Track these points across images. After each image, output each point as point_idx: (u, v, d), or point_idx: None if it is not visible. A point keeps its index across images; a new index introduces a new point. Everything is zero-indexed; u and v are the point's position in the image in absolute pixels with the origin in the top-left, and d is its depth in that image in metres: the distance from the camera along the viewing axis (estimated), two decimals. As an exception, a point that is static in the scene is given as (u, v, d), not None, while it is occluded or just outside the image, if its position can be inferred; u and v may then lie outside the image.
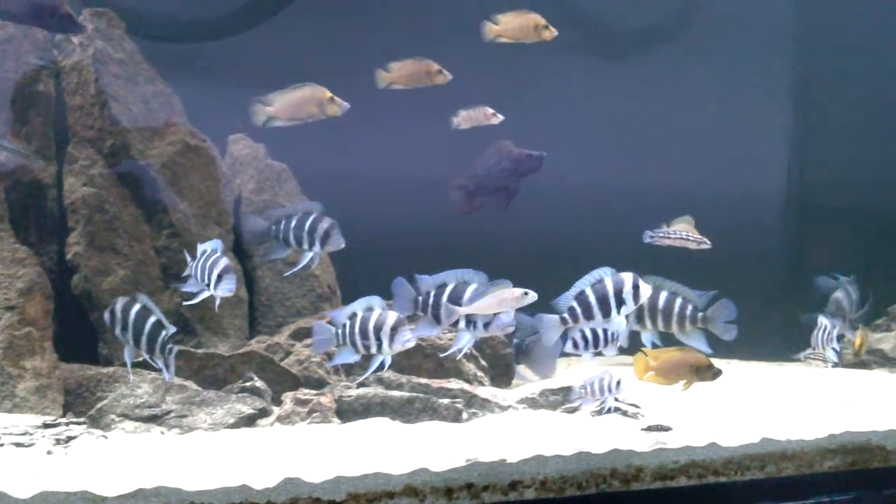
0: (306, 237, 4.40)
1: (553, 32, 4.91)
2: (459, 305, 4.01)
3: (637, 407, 4.44)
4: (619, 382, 4.32)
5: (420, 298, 4.06)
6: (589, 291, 4.29)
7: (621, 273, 4.35)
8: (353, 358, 4.18)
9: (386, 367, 4.08)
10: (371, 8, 5.97)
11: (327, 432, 4.12)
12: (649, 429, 4.39)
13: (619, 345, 4.52)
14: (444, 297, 4.03)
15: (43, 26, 4.67)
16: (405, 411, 4.33)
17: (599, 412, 4.39)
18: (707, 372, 4.51)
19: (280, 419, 4.32)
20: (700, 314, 5.04)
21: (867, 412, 4.44)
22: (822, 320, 5.27)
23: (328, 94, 4.65)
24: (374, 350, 4.17)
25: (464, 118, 4.98)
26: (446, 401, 4.34)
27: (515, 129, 6.06)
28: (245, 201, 5.33)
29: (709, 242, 5.31)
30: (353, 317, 4.16)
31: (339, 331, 4.13)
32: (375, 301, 4.24)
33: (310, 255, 4.45)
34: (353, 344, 4.11)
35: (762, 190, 7.02)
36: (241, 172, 5.36)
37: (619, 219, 6.14)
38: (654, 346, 5.19)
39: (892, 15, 6.70)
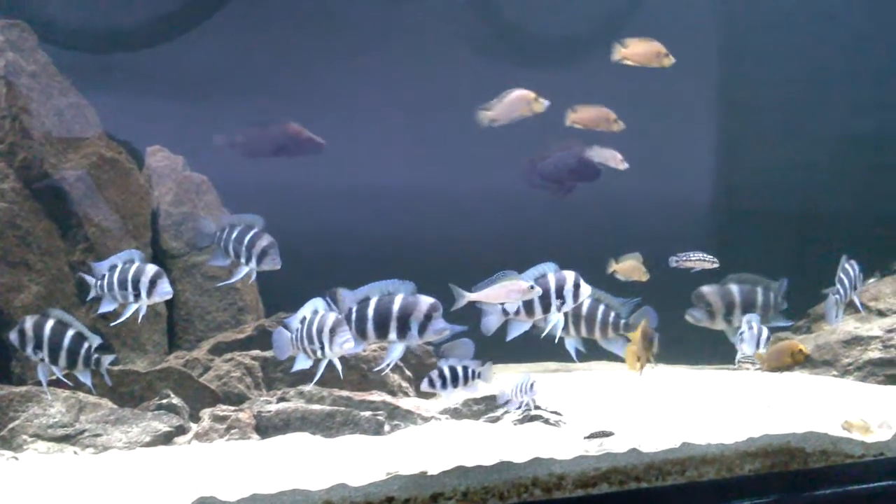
0: (244, 251, 4.34)
1: (672, 60, 5.24)
2: (388, 318, 3.94)
3: (559, 414, 4.44)
4: (532, 384, 4.30)
5: (342, 315, 3.98)
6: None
7: (564, 271, 4.41)
8: (308, 363, 4.09)
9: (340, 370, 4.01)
10: (290, 19, 5.90)
11: (245, 449, 4.03)
12: (592, 436, 4.38)
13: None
14: (370, 311, 3.95)
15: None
16: (326, 425, 4.26)
17: (521, 420, 4.38)
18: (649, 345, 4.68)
19: (197, 436, 4.21)
20: (622, 321, 5.12)
21: (787, 415, 4.50)
22: (750, 322, 5.34)
23: (534, 94, 5.06)
24: (318, 354, 4.07)
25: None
26: (368, 413, 4.28)
27: (439, 137, 6.09)
28: (163, 214, 5.21)
29: (717, 262, 5.50)
30: (302, 321, 4.10)
31: (293, 336, 4.07)
32: (320, 304, 4.15)
33: (245, 270, 4.37)
34: (304, 349, 4.06)
35: (689, 195, 7.10)
36: (159, 185, 5.25)
37: (553, 225, 6.17)
38: (578, 352, 5.24)
39: (815, 19, 6.84)
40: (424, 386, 4.12)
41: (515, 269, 5.01)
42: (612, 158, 5.24)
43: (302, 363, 4.15)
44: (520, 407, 4.44)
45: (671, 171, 6.91)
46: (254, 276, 4.42)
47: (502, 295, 4.17)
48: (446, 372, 4.10)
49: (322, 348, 4.04)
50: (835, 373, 5.71)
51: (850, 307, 5.49)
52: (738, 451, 4.13)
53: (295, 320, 4.14)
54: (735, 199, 7.22)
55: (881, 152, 6.96)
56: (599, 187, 6.37)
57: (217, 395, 4.55)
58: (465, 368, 4.12)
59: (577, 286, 4.40)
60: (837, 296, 5.21)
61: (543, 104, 5.15)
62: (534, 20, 6.66)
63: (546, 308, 4.36)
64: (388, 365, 4.05)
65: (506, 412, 4.41)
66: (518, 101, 5.10)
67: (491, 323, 4.40)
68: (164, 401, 4.39)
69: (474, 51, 6.40)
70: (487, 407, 4.53)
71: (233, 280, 4.48)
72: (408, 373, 4.87)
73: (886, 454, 4.42)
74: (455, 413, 4.48)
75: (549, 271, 4.41)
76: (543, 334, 4.75)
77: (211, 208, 5.27)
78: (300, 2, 5.91)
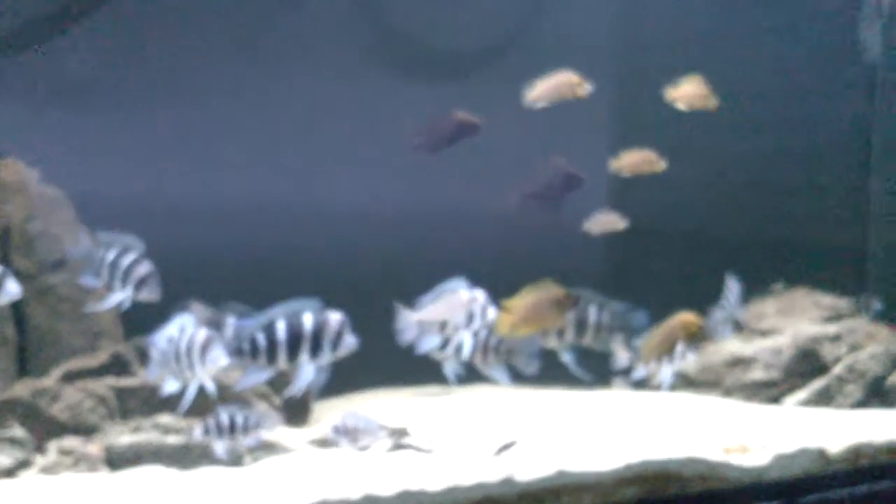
0: (119, 276, 4.07)
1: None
2: (300, 340, 3.78)
3: (430, 442, 4.27)
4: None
5: (245, 345, 3.76)
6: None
7: (475, 289, 4.39)
8: (177, 385, 3.91)
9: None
10: (164, 25, 5.64)
11: (93, 483, 3.73)
12: (499, 451, 4.29)
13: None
14: (281, 333, 3.76)
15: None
16: (181, 458, 4.00)
17: (393, 449, 4.19)
18: (566, 303, 4.47)
19: (43, 470, 3.91)
20: (503, 347, 5.00)
21: (666, 438, 4.42)
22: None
23: (577, 78, 5.03)
24: (187, 374, 3.90)
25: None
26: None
27: (335, 149, 5.91)
28: (15, 231, 4.85)
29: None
30: (169, 340, 3.91)
31: (160, 357, 3.89)
32: (188, 321, 3.98)
33: (118, 297, 4.11)
34: (171, 370, 3.89)
35: (581, 214, 7.06)
36: (9, 200, 4.88)
37: (443, 240, 6.04)
38: (458, 376, 5.10)
39: (708, 38, 6.89)
40: (197, 434, 3.97)
41: (413, 285, 4.89)
42: (569, 86, 5.16)
43: (169, 386, 3.95)
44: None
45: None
46: (127, 303, 4.15)
47: (445, 311, 4.21)
48: (224, 420, 3.93)
49: (192, 368, 3.87)
50: (718, 393, 5.70)
51: (736, 327, 5.53)
52: (615, 477, 4.03)
53: (161, 339, 3.92)
54: (627, 218, 7.19)
55: (767, 172, 7.04)
56: (490, 207, 6.29)
57: (67, 426, 4.23)
58: (245, 418, 3.95)
59: (485, 307, 4.40)
60: (723, 312, 5.24)
61: (586, 89, 5.12)
62: (427, 34, 6.55)
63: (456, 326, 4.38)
64: (299, 388, 3.86)
65: (376, 441, 4.22)
66: (563, 84, 5.08)
67: (405, 334, 4.46)
68: (8, 433, 4.07)
69: (366, 62, 6.23)
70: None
71: (103, 307, 4.20)
72: (276, 400, 4.62)
73: (764, 477, 4.40)
74: (323, 442, 4.26)
75: (461, 288, 4.40)
76: (448, 351, 4.73)
77: (67, 225, 4.92)
78: (176, 10, 5.65)
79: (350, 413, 4.23)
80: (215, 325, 4.27)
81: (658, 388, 5.40)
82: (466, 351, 5.02)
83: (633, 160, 5.38)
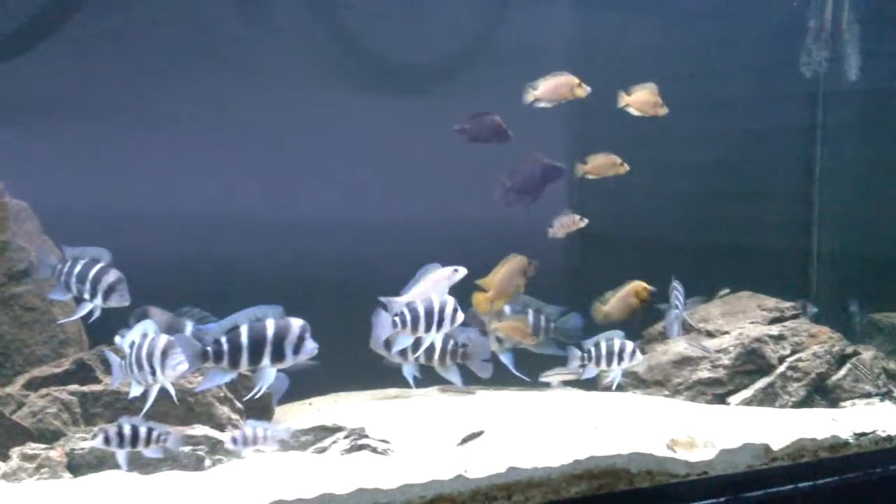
0: (88, 286, 4.19)
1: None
2: (262, 345, 3.91)
3: (387, 442, 4.40)
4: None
5: (209, 349, 3.88)
6: (418, 303, 4.54)
7: (447, 295, 4.58)
8: (140, 390, 4.03)
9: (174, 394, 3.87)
10: (130, 38, 5.72)
11: (55, 489, 3.81)
12: (463, 441, 4.44)
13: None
14: (244, 338, 3.89)
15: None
16: (142, 462, 4.08)
17: (349, 450, 4.31)
18: (528, 268, 5.13)
19: (5, 476, 3.97)
20: (460, 349, 5.18)
21: (614, 436, 4.57)
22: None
23: (577, 80, 5.37)
24: (149, 379, 4.01)
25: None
26: (188, 449, 4.13)
27: (297, 160, 6.01)
28: (-22, 243, 4.92)
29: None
30: (131, 345, 4.00)
31: (123, 362, 3.98)
32: (150, 326, 4.08)
33: (88, 306, 4.24)
34: (134, 375, 3.99)
35: (542, 222, 7.20)
36: (-28, 211, 4.95)
37: (403, 248, 6.15)
38: (416, 378, 5.26)
39: (659, 51, 7.07)
40: (99, 443, 4.04)
41: (375, 291, 5.04)
42: (568, 87, 5.49)
43: (134, 390, 4.09)
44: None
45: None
46: (97, 312, 4.28)
47: (430, 287, 4.39)
48: (126, 430, 4.02)
49: (153, 373, 3.98)
50: (666, 392, 5.86)
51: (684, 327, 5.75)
52: (564, 473, 4.18)
53: (124, 345, 4.04)
54: (591, 225, 7.35)
55: (716, 180, 7.23)
56: (453, 213, 6.41)
57: (31, 432, 4.30)
58: (149, 430, 4.05)
59: (455, 310, 4.58)
60: (676, 310, 5.48)
61: (585, 90, 5.45)
62: (390, 48, 6.66)
63: (428, 328, 4.55)
64: (259, 390, 4.01)
65: (333, 442, 4.34)
66: (563, 85, 5.38)
67: (381, 334, 4.62)
68: (-28, 441, 4.13)
69: (328, 76, 6.33)
70: (316, 438, 4.44)
71: (74, 317, 4.35)
72: (238, 404, 4.72)
73: (710, 472, 4.56)
74: (282, 445, 4.36)
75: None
76: (418, 353, 4.96)
77: (31, 236, 5.00)
78: (140, 24, 5.73)
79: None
80: (174, 330, 4.40)
81: (609, 388, 5.61)
82: (437, 352, 5.20)
83: (600, 163, 5.64)
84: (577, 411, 5.20)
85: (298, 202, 5.93)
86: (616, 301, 5.53)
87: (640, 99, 5.69)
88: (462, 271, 4.55)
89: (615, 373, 5.21)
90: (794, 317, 6.18)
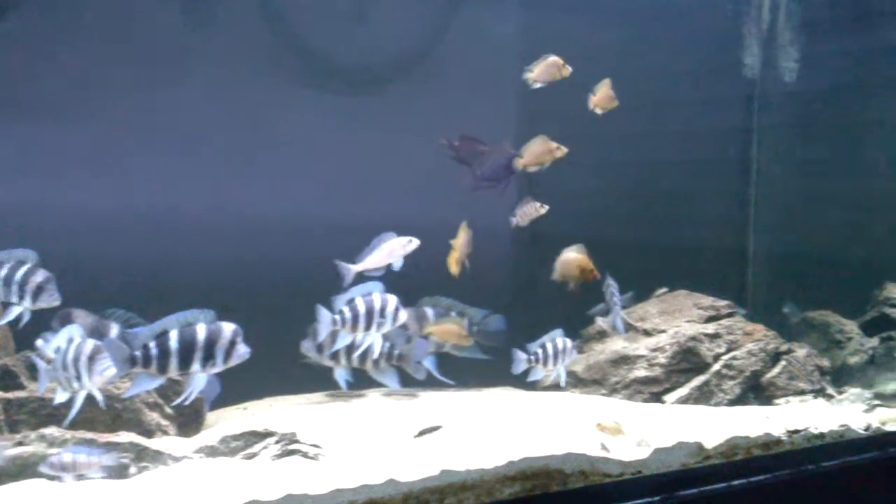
0: (16, 289, 4.12)
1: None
2: (192, 350, 3.91)
3: (318, 447, 4.35)
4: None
5: (137, 354, 3.85)
6: (359, 301, 4.69)
7: (387, 293, 4.77)
8: (66, 395, 3.98)
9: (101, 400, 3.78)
10: (68, 38, 5.59)
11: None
12: (421, 433, 4.45)
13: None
14: (173, 343, 3.88)
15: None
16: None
17: (280, 456, 4.26)
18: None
19: (-77, 487, 3.86)
20: (396, 352, 5.16)
21: (549, 436, 4.58)
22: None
23: (562, 61, 5.63)
24: (74, 385, 3.98)
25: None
26: (112, 456, 4.04)
27: (226, 162, 5.92)
28: None
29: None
30: (57, 350, 3.96)
31: (48, 367, 3.94)
32: (76, 331, 4.04)
33: (17, 309, 4.17)
34: (59, 381, 3.95)
35: (494, 221, 7.20)
36: None
37: (337, 256, 6.10)
38: (348, 383, 5.23)
39: (603, 53, 7.11)
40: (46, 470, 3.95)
41: (310, 293, 5.04)
42: (556, 69, 5.70)
43: (60, 397, 4.04)
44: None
45: (475, 197, 6.96)
46: (27, 315, 4.21)
47: (385, 256, 4.62)
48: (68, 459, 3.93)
49: (79, 379, 3.95)
50: (603, 391, 5.89)
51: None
52: (497, 475, 4.16)
53: (49, 350, 3.98)
54: (539, 224, 7.37)
55: (655, 181, 7.29)
56: (392, 217, 6.38)
57: (-48, 441, 4.18)
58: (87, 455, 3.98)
59: (397, 308, 4.75)
60: (616, 307, 5.61)
61: (569, 70, 5.65)
62: (336, 48, 6.60)
63: (368, 326, 4.72)
64: (189, 395, 4.01)
65: (263, 448, 4.28)
66: (552, 65, 5.60)
67: (321, 331, 4.77)
68: None
69: (269, 76, 6.25)
70: (246, 443, 4.37)
71: (3, 321, 4.24)
72: (168, 410, 4.64)
73: (644, 472, 4.58)
74: (211, 451, 4.29)
75: (375, 291, 4.75)
76: (359, 351, 5.02)
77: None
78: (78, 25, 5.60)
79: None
80: (99, 333, 4.32)
81: (551, 386, 5.65)
82: (377, 352, 5.22)
83: (536, 152, 5.61)
84: (514, 412, 5.20)
85: (232, 203, 5.84)
86: (561, 264, 5.66)
87: (602, 96, 5.80)
88: (415, 242, 4.72)
89: (559, 371, 5.27)
90: (730, 315, 6.26)
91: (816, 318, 6.80)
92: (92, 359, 3.96)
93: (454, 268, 5.33)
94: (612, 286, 5.60)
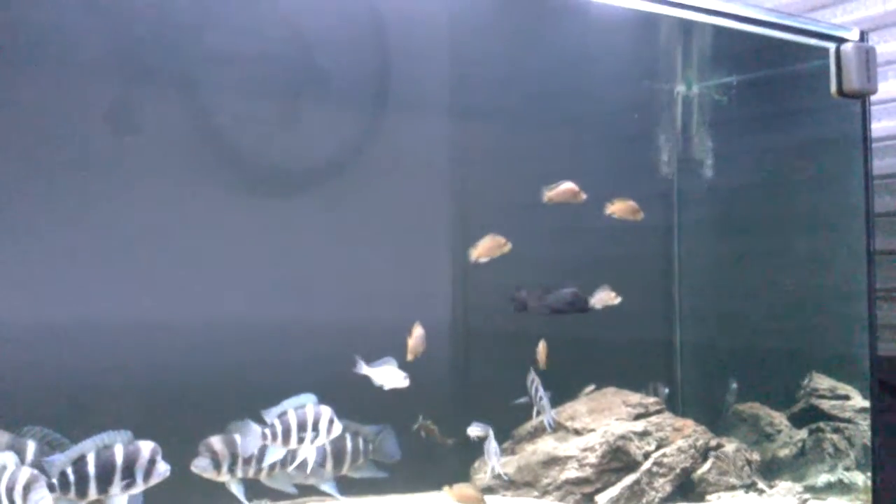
0: None
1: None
2: (111, 472, 4.02)
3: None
4: None
5: (54, 482, 3.95)
6: (291, 413, 4.70)
7: (321, 405, 4.81)
8: None
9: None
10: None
11: None
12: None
13: None
14: (91, 467, 4.00)
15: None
16: None
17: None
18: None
19: None
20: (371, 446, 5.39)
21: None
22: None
23: (577, 188, 6.16)
24: None
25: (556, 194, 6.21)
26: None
27: (153, 267, 5.86)
28: None
29: None
30: None
31: None
32: (10, 458, 3.99)
33: None
34: None
35: (432, 318, 7.21)
36: None
37: (268, 360, 6.03)
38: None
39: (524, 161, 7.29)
40: None
41: (236, 401, 4.99)
42: (608, 297, 6.33)
43: None
44: None
45: (414, 296, 6.97)
46: None
47: (384, 375, 5.21)
48: None
49: None
50: (535, 494, 5.83)
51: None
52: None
53: None
54: (474, 319, 7.40)
55: (580, 276, 7.40)
56: (324, 316, 6.37)
57: None
58: None
59: (331, 421, 4.79)
60: (542, 401, 5.83)
61: (583, 196, 6.24)
62: (267, 151, 6.65)
63: (301, 439, 4.71)
64: None
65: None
66: (569, 191, 6.17)
67: (248, 445, 4.77)
68: None
69: (201, 182, 6.24)
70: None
71: None
72: (90, 531, 4.48)
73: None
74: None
75: (309, 402, 4.77)
76: (293, 465, 4.94)
77: None
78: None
79: None
80: (15, 451, 4.19)
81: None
82: (311, 462, 5.18)
83: (488, 246, 6.01)
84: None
85: (158, 308, 5.77)
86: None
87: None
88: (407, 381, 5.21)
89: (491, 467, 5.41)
90: (659, 412, 6.31)
91: (746, 411, 6.89)
92: (27, 487, 3.88)
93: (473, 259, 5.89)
94: (536, 380, 5.69)
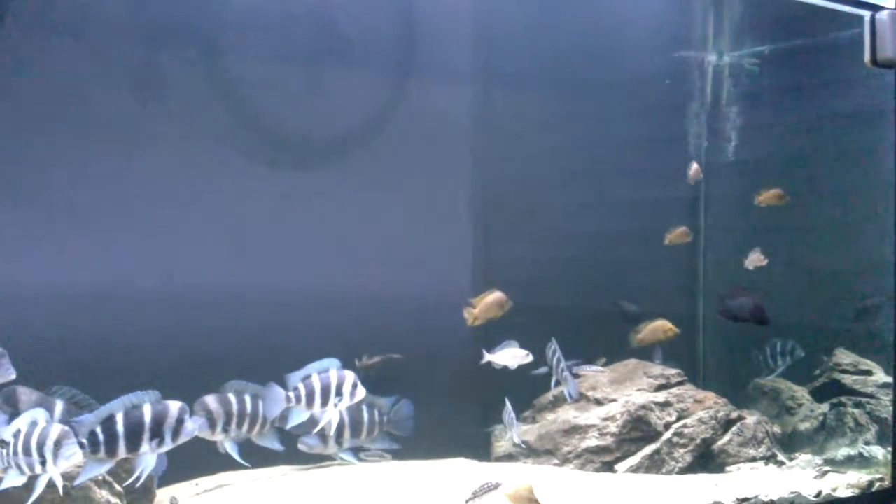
0: None
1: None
2: (140, 432, 4.09)
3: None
4: None
5: (84, 441, 4.05)
6: (315, 378, 4.75)
7: (345, 370, 4.86)
8: (21, 479, 3.95)
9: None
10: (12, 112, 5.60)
11: None
12: (474, 495, 4.52)
13: None
14: (120, 426, 4.08)
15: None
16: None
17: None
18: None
19: None
20: (385, 417, 5.46)
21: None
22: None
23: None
24: (37, 469, 3.96)
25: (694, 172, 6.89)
26: (57, 536, 3.99)
27: (176, 235, 5.93)
28: None
29: None
30: (17, 434, 3.95)
31: (3, 451, 3.92)
32: (40, 414, 4.04)
33: None
34: (18, 465, 3.94)
35: (449, 293, 7.25)
36: None
37: (293, 328, 6.10)
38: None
39: (553, 134, 7.27)
40: None
41: (266, 365, 5.06)
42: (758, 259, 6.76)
43: (13, 479, 3.98)
44: None
45: (431, 271, 7.02)
46: None
47: (509, 357, 5.53)
48: None
49: (43, 463, 3.94)
50: (556, 461, 5.90)
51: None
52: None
53: (6, 432, 3.96)
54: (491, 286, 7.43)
55: (606, 250, 7.41)
56: (346, 287, 6.41)
57: None
58: None
59: (355, 385, 4.83)
60: (565, 373, 5.81)
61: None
62: (290, 121, 6.68)
63: (325, 402, 4.78)
64: (141, 476, 4.19)
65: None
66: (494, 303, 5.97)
67: (272, 408, 4.83)
68: None
69: (221, 150, 6.28)
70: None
71: None
72: (118, 488, 4.58)
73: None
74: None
75: (333, 367, 4.81)
76: (317, 429, 5.03)
77: None
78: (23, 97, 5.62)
79: None
80: (44, 409, 4.27)
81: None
82: (333, 429, 5.28)
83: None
84: (460, 484, 5.15)
85: (183, 277, 5.85)
86: (646, 332, 6.45)
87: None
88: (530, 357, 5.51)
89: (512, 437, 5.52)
90: (680, 383, 6.33)
91: (767, 385, 6.89)
92: (58, 443, 3.96)
93: (471, 319, 5.86)
94: (557, 351, 5.72)
